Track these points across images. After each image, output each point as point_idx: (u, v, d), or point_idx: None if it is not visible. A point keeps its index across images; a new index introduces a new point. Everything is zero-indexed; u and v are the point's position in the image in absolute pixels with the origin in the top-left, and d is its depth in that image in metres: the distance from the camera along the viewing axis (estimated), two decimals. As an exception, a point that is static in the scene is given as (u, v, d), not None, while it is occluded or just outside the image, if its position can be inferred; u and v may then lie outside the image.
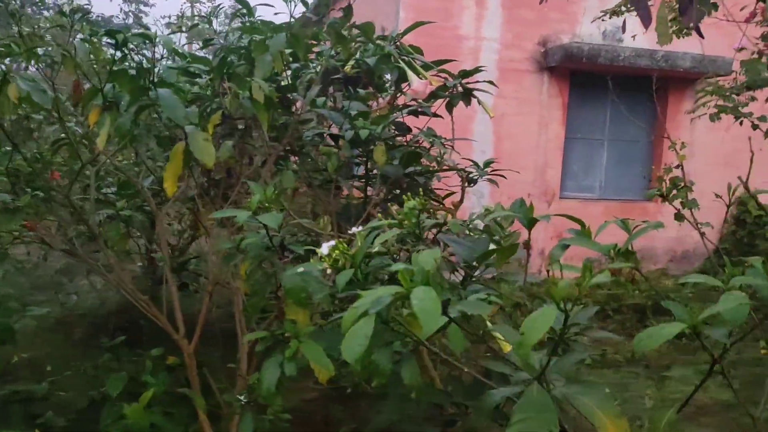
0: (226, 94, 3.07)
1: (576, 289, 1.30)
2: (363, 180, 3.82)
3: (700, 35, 2.54)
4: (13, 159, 3.37)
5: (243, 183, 3.48)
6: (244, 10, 3.29)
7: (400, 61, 3.43)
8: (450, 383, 2.94)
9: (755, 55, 4.58)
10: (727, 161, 8.32)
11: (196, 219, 4.26)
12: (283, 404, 3.17)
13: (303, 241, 3.17)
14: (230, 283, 3.37)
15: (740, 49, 4.63)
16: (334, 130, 3.57)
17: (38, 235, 3.60)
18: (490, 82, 3.77)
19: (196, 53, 4.05)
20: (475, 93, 3.70)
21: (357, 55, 3.44)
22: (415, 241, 2.04)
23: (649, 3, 2.41)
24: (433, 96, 3.73)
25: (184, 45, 5.50)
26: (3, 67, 2.90)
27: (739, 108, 4.56)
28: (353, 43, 3.42)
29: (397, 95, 3.86)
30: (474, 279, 2.23)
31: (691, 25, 2.40)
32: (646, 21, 2.36)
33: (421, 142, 3.85)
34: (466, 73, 3.68)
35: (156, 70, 2.98)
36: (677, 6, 2.51)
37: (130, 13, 24.75)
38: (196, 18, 4.33)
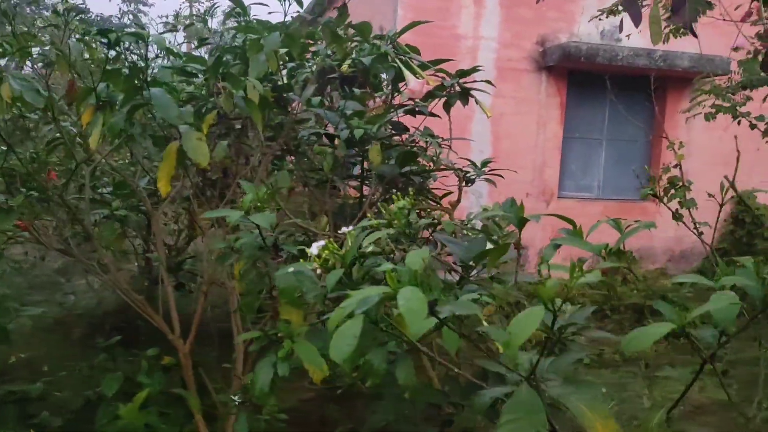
0: (221, 94, 3.06)
1: (564, 289, 1.29)
2: (359, 179, 3.82)
3: (693, 34, 2.53)
4: (8, 159, 3.36)
5: (239, 183, 3.47)
6: (239, 10, 3.28)
7: (397, 61, 3.42)
8: (447, 383, 2.94)
9: (750, 55, 4.57)
10: (726, 161, 8.25)
11: (192, 219, 4.25)
12: (279, 404, 3.17)
13: (300, 240, 3.17)
14: (225, 283, 3.37)
15: (736, 49, 4.62)
16: (331, 130, 3.57)
17: (33, 235, 3.59)
18: (488, 82, 3.76)
19: (193, 52, 4.05)
20: (473, 92, 3.69)
21: (353, 55, 3.43)
22: (409, 241, 2.03)
23: (644, 1, 2.41)
24: (431, 95, 3.72)
25: (181, 44, 5.50)
26: (-3, 66, 2.89)
27: (737, 107, 4.56)
28: (349, 43, 3.41)
29: (394, 95, 3.85)
30: (470, 279, 2.22)
31: (684, 24, 2.40)
32: (636, 20, 2.36)
33: (417, 141, 3.85)
34: (463, 73, 3.67)
35: (151, 69, 2.98)
36: (671, 5, 2.51)
37: (129, 13, 24.71)
38: (193, 17, 4.33)
